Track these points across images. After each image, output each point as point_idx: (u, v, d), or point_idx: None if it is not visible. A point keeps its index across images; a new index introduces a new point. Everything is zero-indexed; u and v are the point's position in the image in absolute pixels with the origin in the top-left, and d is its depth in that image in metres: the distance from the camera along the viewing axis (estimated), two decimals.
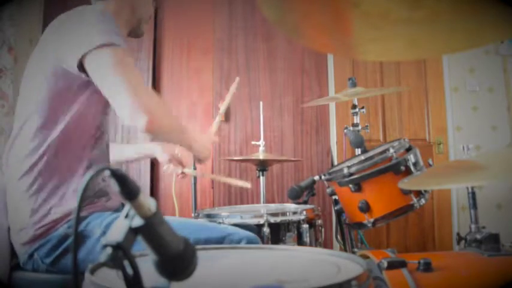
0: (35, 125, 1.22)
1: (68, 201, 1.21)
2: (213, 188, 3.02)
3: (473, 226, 1.56)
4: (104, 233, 1.17)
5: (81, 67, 1.15)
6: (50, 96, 1.21)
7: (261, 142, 2.30)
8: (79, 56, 1.13)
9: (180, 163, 1.62)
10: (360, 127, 2.19)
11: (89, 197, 1.26)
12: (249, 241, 1.23)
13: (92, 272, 0.67)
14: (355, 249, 1.92)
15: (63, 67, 1.19)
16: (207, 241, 1.19)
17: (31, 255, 1.21)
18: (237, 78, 1.59)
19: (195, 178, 2.32)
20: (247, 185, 1.67)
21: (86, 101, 1.22)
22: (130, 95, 1.10)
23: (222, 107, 1.62)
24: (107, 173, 0.50)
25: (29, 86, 1.29)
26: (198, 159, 1.45)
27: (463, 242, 1.51)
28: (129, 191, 0.51)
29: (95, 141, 1.28)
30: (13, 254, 1.27)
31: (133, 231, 0.51)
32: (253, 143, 2.40)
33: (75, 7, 1.27)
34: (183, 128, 1.33)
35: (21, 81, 1.32)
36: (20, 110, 1.30)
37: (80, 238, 1.18)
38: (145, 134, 1.12)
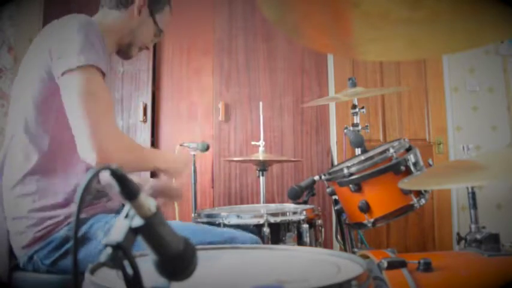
0: (29, 127, 1.22)
1: (68, 202, 1.21)
2: (213, 188, 3.03)
3: (473, 226, 1.56)
4: (106, 235, 1.16)
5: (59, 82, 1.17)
6: (44, 97, 1.21)
7: (261, 142, 2.30)
8: (59, 74, 1.16)
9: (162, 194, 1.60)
10: (360, 127, 2.19)
11: (90, 198, 1.26)
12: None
13: (92, 272, 0.67)
14: (355, 249, 1.92)
15: (50, 73, 1.20)
16: (211, 244, 1.19)
17: (31, 257, 1.21)
18: None
19: (194, 177, 2.32)
20: None
21: None
22: (86, 127, 1.12)
23: None
24: (107, 173, 0.50)
25: (22, 88, 1.29)
26: (171, 174, 1.43)
27: (463, 242, 1.51)
28: (129, 191, 0.51)
29: None
30: (12, 255, 1.27)
31: (133, 231, 0.51)
32: (253, 143, 2.41)
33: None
34: (146, 155, 1.32)
35: (14, 83, 1.32)
36: (13, 112, 1.30)
37: (83, 240, 1.18)
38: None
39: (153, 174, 2.80)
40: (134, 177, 1.58)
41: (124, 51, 1.45)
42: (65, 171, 1.23)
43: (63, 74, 1.15)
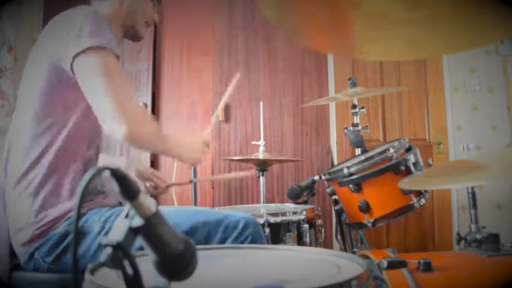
0: (33, 125, 1.22)
1: (66, 199, 1.21)
2: (213, 188, 3.03)
3: (473, 226, 1.56)
4: (102, 227, 1.17)
5: (72, 69, 1.17)
6: (47, 95, 1.22)
7: (261, 142, 2.30)
8: (70, 58, 1.15)
9: (147, 179, 1.58)
10: (360, 127, 2.19)
11: (88, 195, 1.26)
12: (247, 222, 1.21)
13: (92, 272, 0.67)
14: (355, 249, 1.92)
15: (58, 66, 1.19)
16: (205, 224, 1.19)
17: (32, 255, 1.21)
18: (238, 75, 1.56)
19: (194, 177, 2.32)
20: (247, 173, 1.70)
21: (81, 101, 1.22)
22: (111, 102, 1.10)
23: (220, 105, 1.59)
24: (107, 172, 0.50)
25: (27, 85, 1.29)
26: (189, 164, 1.43)
27: (463, 242, 1.51)
28: (129, 191, 0.51)
29: (90, 140, 1.28)
30: (13, 254, 1.27)
31: (133, 231, 0.51)
32: (253, 143, 2.41)
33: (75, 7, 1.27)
34: (166, 138, 1.31)
35: (20, 81, 1.32)
36: (18, 110, 1.30)
37: (79, 234, 1.18)
38: (125, 143, 1.12)
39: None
40: (119, 161, 1.59)
41: (131, 34, 1.45)
42: (65, 168, 1.23)
43: (75, 57, 1.14)
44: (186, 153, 1.35)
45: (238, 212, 1.29)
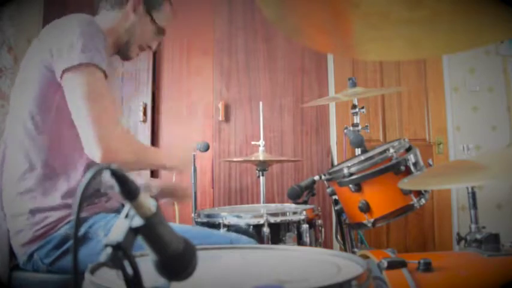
0: (30, 126, 1.22)
1: (68, 201, 1.21)
2: (213, 188, 3.03)
3: (473, 226, 1.56)
4: (107, 234, 1.17)
5: (62, 78, 1.18)
6: (42, 97, 1.22)
7: (261, 142, 2.29)
8: (60, 71, 1.17)
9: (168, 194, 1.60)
10: (360, 127, 2.19)
11: (89, 197, 1.26)
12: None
13: (92, 272, 0.67)
14: (355, 249, 1.92)
15: (52, 71, 1.20)
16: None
17: (31, 256, 1.21)
18: None
19: (195, 177, 2.32)
20: None
21: None
22: (89, 126, 1.14)
23: None
24: (107, 172, 0.50)
25: (22, 87, 1.29)
26: (178, 172, 1.45)
27: (463, 242, 1.51)
28: (129, 191, 0.51)
29: None
30: (12, 254, 1.27)
31: (133, 231, 0.51)
32: (253, 143, 2.41)
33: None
34: (149, 154, 1.34)
35: (15, 82, 1.33)
36: (13, 110, 1.30)
37: (83, 239, 1.18)
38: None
39: (153, 173, 2.79)
40: (138, 178, 1.60)
41: (123, 52, 1.45)
42: (65, 169, 1.23)
43: (64, 71, 1.16)
44: (175, 164, 1.37)
45: (245, 238, 1.31)
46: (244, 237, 1.30)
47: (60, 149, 1.23)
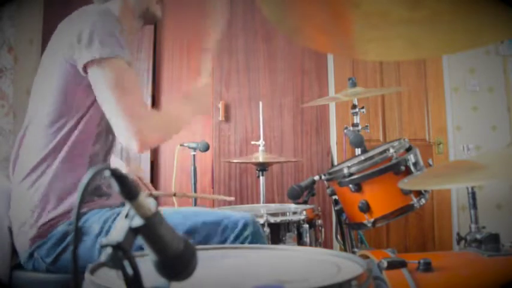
0: (42, 123, 1.23)
1: (69, 199, 1.21)
2: (213, 188, 3.03)
3: (473, 226, 1.56)
4: (102, 228, 1.17)
5: (85, 70, 1.19)
6: (63, 94, 1.23)
7: (261, 142, 2.29)
8: (82, 64, 1.18)
9: (146, 185, 1.65)
10: (360, 127, 2.19)
11: (90, 196, 1.26)
12: (246, 222, 1.20)
13: (92, 272, 0.67)
14: (355, 249, 1.92)
15: (73, 65, 1.21)
16: (204, 224, 1.20)
17: (31, 254, 1.21)
18: None
19: (195, 177, 2.33)
20: (231, 198, 1.87)
21: (91, 98, 1.23)
22: (124, 119, 1.17)
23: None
24: (107, 173, 0.50)
25: (42, 82, 1.30)
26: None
27: (463, 242, 1.51)
28: (129, 191, 0.51)
29: (97, 135, 1.29)
30: (14, 253, 1.27)
31: (133, 231, 0.51)
32: (252, 143, 2.41)
33: (76, 7, 1.27)
34: (172, 124, 1.38)
35: (34, 80, 1.33)
36: (33, 106, 1.31)
37: (79, 234, 1.18)
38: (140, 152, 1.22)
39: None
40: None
41: (149, 17, 1.45)
42: (72, 165, 1.24)
43: (87, 65, 1.17)
44: (198, 111, 1.46)
45: (237, 212, 1.29)
46: (237, 213, 1.28)
47: (71, 146, 1.24)
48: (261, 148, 2.29)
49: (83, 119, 1.24)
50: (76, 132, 1.23)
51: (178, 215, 1.23)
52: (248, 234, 1.19)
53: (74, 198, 1.21)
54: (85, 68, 1.18)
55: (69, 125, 1.23)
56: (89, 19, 1.20)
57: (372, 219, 1.62)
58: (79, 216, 0.51)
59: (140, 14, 1.42)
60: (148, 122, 1.21)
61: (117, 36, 1.20)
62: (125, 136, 1.18)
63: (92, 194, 1.28)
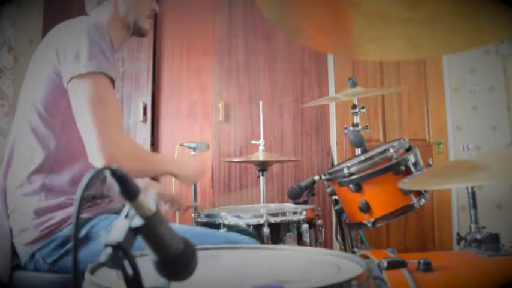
0: (36, 126, 1.23)
1: (72, 201, 1.21)
2: (213, 188, 3.02)
3: (473, 226, 1.56)
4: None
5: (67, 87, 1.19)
6: (52, 97, 1.22)
7: (261, 141, 2.29)
8: (67, 79, 1.17)
9: (167, 201, 1.58)
10: (360, 127, 2.19)
11: (92, 199, 1.26)
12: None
13: (92, 272, 0.67)
14: (355, 249, 1.92)
15: (59, 73, 1.20)
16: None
17: (33, 256, 1.21)
18: None
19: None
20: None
21: None
22: (94, 135, 1.14)
23: None
24: (107, 173, 0.50)
25: (29, 88, 1.29)
26: (187, 183, 1.47)
27: (463, 242, 1.51)
28: (129, 191, 0.51)
29: None
30: (14, 254, 1.27)
31: (133, 231, 0.51)
32: (252, 142, 2.40)
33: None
34: (155, 161, 1.34)
35: (23, 82, 1.33)
36: (20, 111, 1.30)
37: (85, 240, 1.18)
38: None
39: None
40: (140, 182, 1.60)
41: (136, 30, 1.44)
42: (70, 170, 1.23)
43: (71, 78, 1.16)
44: (185, 174, 1.37)
45: (244, 237, 1.31)
46: (244, 237, 1.30)
47: (67, 150, 1.23)
48: (260, 147, 2.29)
49: (73, 128, 1.21)
50: (69, 136, 1.22)
51: (188, 234, 1.22)
52: None
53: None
54: (69, 82, 1.17)
55: (60, 129, 1.23)
56: (80, 32, 1.20)
57: (372, 219, 1.62)
58: (79, 216, 0.51)
59: (128, 26, 1.42)
60: (122, 147, 1.17)
61: (105, 52, 1.19)
62: (91, 150, 1.15)
63: (94, 197, 1.28)
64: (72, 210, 1.20)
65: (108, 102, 1.18)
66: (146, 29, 1.46)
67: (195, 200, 2.31)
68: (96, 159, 1.14)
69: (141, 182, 1.57)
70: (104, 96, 1.17)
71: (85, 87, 1.16)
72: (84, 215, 1.21)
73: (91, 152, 1.15)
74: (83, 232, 1.19)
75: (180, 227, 1.44)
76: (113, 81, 1.22)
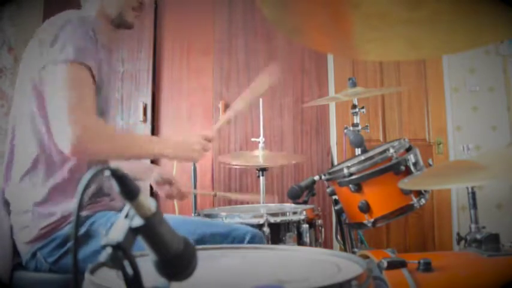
0: (34, 122, 1.23)
1: (73, 199, 1.21)
2: (213, 188, 3.02)
3: (473, 226, 1.56)
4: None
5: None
6: (39, 95, 1.22)
7: (261, 139, 2.29)
8: (41, 66, 1.18)
9: (167, 181, 1.58)
10: (360, 127, 2.19)
11: (93, 196, 1.26)
12: (253, 236, 1.25)
13: (92, 272, 0.67)
14: (355, 249, 1.92)
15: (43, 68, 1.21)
16: (213, 235, 1.21)
17: (34, 254, 1.21)
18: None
19: (195, 177, 2.32)
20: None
21: None
22: (61, 121, 1.12)
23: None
24: (107, 173, 0.50)
25: (23, 83, 1.29)
26: (186, 161, 1.43)
27: (463, 242, 1.51)
28: (129, 191, 0.51)
29: None
30: (16, 252, 1.27)
31: (133, 231, 0.51)
32: (252, 139, 2.40)
33: (75, 8, 1.27)
34: (135, 141, 1.31)
35: (16, 80, 1.33)
36: (17, 108, 1.30)
37: (85, 238, 1.18)
38: (72, 157, 1.16)
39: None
40: (139, 165, 1.61)
41: (122, 23, 1.42)
42: (70, 168, 1.23)
43: (44, 66, 1.17)
44: (179, 152, 1.33)
45: (244, 226, 1.32)
46: (248, 227, 1.31)
47: None
48: (260, 145, 2.28)
49: None
50: None
51: (187, 225, 1.23)
52: None
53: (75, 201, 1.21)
54: (43, 68, 1.18)
55: None
56: (60, 23, 1.20)
57: (372, 219, 1.62)
58: (79, 215, 0.51)
59: (113, 19, 1.40)
60: (89, 131, 1.15)
61: (83, 42, 1.19)
62: (59, 135, 1.13)
63: (94, 195, 1.28)
64: (71, 206, 1.20)
65: (78, 88, 1.17)
66: (131, 22, 1.43)
67: (195, 200, 2.31)
68: (62, 143, 1.12)
69: (143, 164, 1.57)
70: (73, 83, 1.16)
71: (54, 74, 1.16)
72: (83, 213, 1.21)
73: (57, 136, 1.14)
74: (82, 230, 1.19)
75: (183, 217, 1.41)
76: (90, 70, 1.21)
